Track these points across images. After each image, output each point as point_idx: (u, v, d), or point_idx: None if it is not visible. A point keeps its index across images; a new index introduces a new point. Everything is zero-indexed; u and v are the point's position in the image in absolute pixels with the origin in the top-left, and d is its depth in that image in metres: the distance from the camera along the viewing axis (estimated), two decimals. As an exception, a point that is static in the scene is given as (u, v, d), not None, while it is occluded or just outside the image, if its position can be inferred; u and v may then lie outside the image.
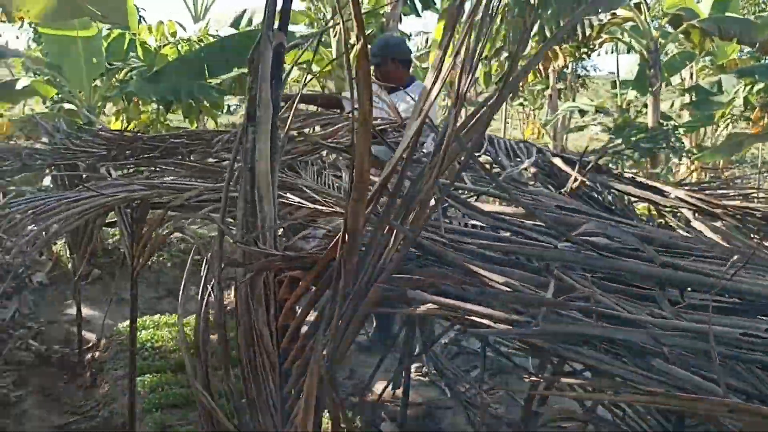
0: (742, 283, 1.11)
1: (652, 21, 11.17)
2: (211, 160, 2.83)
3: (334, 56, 8.53)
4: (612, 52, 14.25)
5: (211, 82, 7.30)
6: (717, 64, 12.98)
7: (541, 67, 11.56)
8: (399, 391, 3.23)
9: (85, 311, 4.66)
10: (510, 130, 17.64)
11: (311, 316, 1.36)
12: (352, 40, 8.33)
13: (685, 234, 1.77)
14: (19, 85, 7.07)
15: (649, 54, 9.99)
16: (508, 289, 1.08)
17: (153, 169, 2.88)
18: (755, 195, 2.56)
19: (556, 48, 10.50)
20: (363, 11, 1.14)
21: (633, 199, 2.45)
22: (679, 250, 1.30)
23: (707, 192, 2.42)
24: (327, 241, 1.47)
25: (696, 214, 2.09)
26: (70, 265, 5.64)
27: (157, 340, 4.26)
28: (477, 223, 1.56)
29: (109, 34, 8.32)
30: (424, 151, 2.19)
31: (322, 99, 4.69)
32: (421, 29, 23.61)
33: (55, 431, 3.65)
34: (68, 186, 3.45)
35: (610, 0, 7.75)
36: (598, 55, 14.37)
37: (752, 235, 1.98)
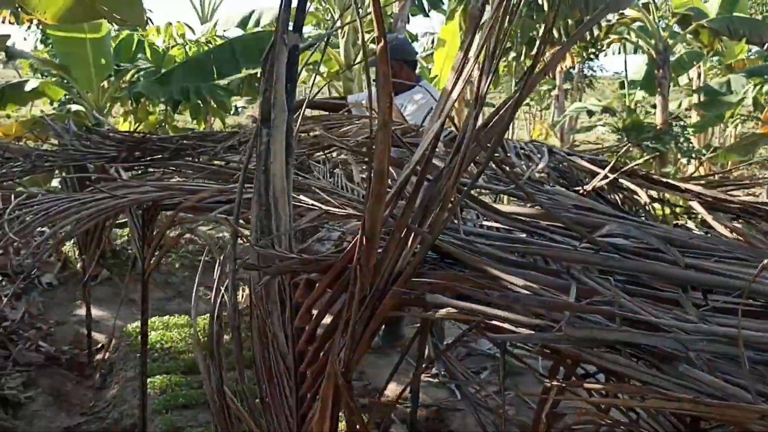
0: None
1: (660, 21, 11.13)
2: (217, 163, 2.82)
3: (342, 56, 8.53)
4: (619, 53, 14.21)
5: (219, 83, 7.32)
6: (725, 64, 12.93)
7: (548, 68, 11.55)
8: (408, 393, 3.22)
9: (94, 312, 4.67)
10: (516, 131, 17.61)
11: (327, 319, 1.35)
12: (360, 41, 8.33)
13: (703, 234, 1.75)
14: (27, 87, 7.09)
15: (658, 54, 9.96)
16: (529, 293, 1.07)
17: (163, 170, 2.88)
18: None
19: (564, 48, 10.47)
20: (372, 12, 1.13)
21: (646, 199, 2.43)
22: (701, 251, 1.28)
23: (719, 189, 2.40)
24: (343, 244, 1.46)
25: (709, 211, 2.07)
26: (78, 266, 5.66)
27: (166, 341, 4.26)
28: (491, 224, 1.55)
29: (117, 35, 8.35)
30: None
31: (327, 105, 4.71)
32: (427, 30, 23.58)
33: (65, 432, 3.66)
34: (77, 187, 3.46)
35: (619, 0, 7.72)
36: (605, 55, 14.33)
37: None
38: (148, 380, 3.39)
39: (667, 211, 2.38)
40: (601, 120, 14.81)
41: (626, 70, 14.06)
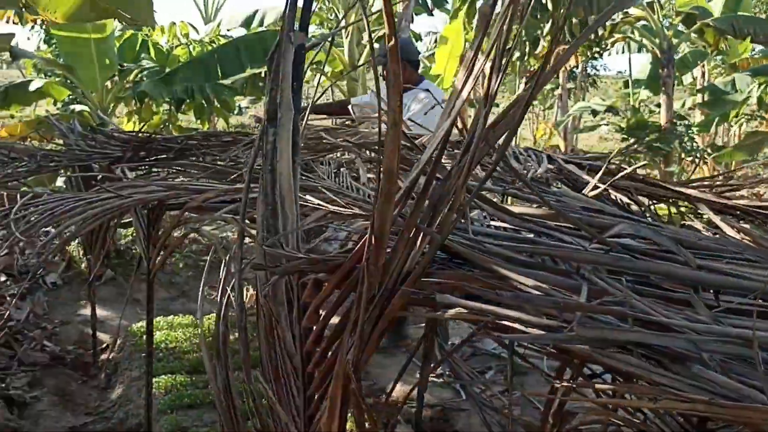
0: (779, 286, 1.09)
1: (664, 20, 11.12)
2: (221, 163, 2.82)
3: (346, 56, 8.53)
4: (623, 52, 14.19)
5: (223, 83, 7.33)
6: (729, 63, 12.90)
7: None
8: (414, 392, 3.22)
9: (99, 312, 4.68)
10: (519, 131, 17.58)
11: (335, 319, 1.35)
12: (364, 40, 8.33)
13: (710, 235, 1.74)
14: (31, 87, 7.11)
15: (662, 53, 9.94)
16: (539, 293, 1.06)
17: (168, 170, 2.88)
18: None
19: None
20: (377, 12, 1.12)
21: (650, 200, 2.42)
22: (710, 252, 1.27)
23: (724, 188, 2.39)
24: (350, 243, 1.46)
25: (716, 212, 2.06)
26: (83, 266, 5.66)
27: (171, 341, 4.25)
28: (499, 224, 1.54)
29: (121, 35, 8.37)
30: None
31: (330, 108, 4.74)
32: (430, 29, 23.58)
33: (70, 432, 3.66)
34: (82, 187, 3.46)
35: (623, -1, 7.70)
36: (609, 54, 14.31)
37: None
38: (153, 380, 3.39)
39: (674, 211, 2.37)
40: (604, 119, 14.79)
41: (630, 69, 14.05)
